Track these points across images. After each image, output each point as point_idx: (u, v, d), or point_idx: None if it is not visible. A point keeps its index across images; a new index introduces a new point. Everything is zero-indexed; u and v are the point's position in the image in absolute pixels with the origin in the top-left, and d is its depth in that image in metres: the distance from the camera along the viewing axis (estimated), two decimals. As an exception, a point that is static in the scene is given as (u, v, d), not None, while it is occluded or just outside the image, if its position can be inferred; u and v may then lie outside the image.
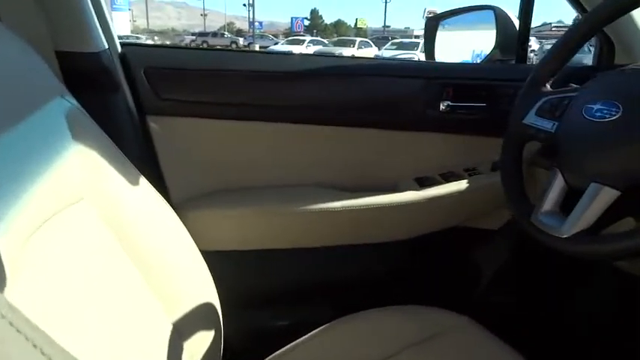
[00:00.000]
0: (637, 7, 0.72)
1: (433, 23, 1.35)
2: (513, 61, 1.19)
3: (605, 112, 0.67)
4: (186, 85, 1.00)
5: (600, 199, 0.65)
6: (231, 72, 1.02)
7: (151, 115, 0.99)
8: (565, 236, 0.67)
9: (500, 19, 1.21)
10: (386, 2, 37.04)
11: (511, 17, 1.22)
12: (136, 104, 0.97)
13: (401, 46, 17.74)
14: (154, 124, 1.00)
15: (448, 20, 1.41)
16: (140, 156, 0.93)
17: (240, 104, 1.03)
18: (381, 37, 26.48)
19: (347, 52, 18.64)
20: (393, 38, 24.30)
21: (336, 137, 1.10)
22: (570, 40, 0.80)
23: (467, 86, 1.09)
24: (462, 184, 1.10)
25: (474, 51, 1.41)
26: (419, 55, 16.56)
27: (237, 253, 1.06)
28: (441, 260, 1.22)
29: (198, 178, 1.05)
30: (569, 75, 0.95)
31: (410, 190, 1.09)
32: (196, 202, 1.02)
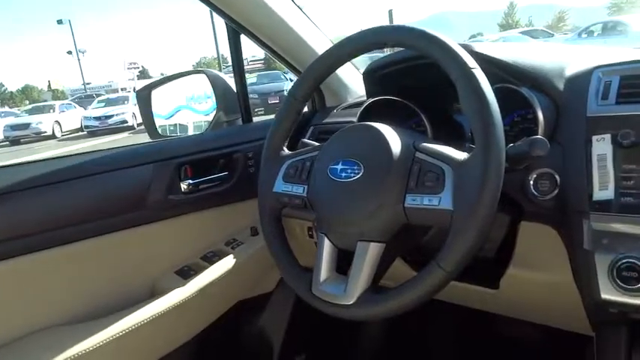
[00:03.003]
0: (341, 65, 0.78)
1: (145, 93, 1.23)
2: (239, 120, 1.18)
3: (350, 171, 0.68)
4: None
5: (370, 255, 0.65)
6: None
7: None
8: (350, 302, 0.66)
9: (214, 81, 1.18)
10: (79, 59, 34.46)
11: (222, 77, 1.20)
12: None
13: (110, 103, 16.56)
14: None
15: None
16: None
17: None
18: (84, 96, 24.39)
19: (47, 118, 16.43)
20: (98, 95, 22.73)
21: (68, 258, 0.86)
22: (292, 104, 0.80)
23: (204, 159, 1.02)
24: (228, 261, 1.01)
25: (186, 96, 1.36)
26: (132, 109, 15.86)
27: None
28: (231, 346, 1.11)
29: None
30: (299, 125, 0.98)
31: (173, 287, 0.94)
32: None
